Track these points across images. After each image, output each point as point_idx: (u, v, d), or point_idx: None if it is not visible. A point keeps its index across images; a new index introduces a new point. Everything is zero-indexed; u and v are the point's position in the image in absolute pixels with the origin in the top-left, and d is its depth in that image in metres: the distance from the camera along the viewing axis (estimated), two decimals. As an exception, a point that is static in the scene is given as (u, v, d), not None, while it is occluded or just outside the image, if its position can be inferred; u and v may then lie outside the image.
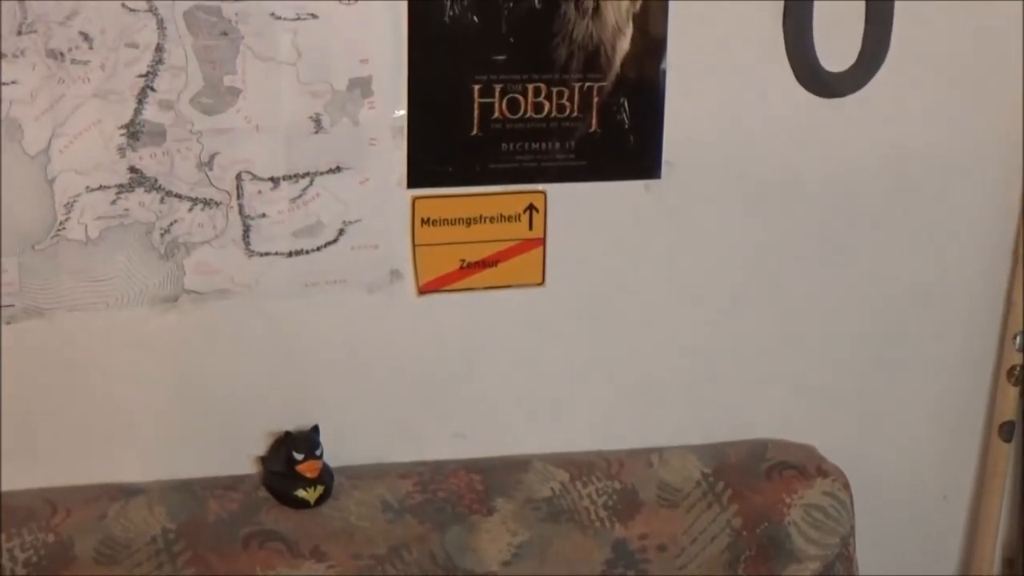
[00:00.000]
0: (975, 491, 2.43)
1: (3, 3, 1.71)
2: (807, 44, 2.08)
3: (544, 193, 2.03)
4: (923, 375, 2.33)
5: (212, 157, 1.85)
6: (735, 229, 2.15)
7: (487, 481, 2.03)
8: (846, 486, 2.14)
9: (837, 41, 2.10)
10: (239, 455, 1.98)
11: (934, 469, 2.40)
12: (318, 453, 1.94)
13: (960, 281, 2.31)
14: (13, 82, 1.74)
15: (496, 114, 1.97)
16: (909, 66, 2.13)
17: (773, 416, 2.24)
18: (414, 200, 1.97)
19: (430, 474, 2.03)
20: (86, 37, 1.76)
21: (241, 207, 1.89)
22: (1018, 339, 2.30)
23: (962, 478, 2.43)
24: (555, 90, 1.98)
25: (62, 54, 1.75)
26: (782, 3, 2.05)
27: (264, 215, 1.90)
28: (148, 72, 1.80)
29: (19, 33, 1.73)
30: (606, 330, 2.13)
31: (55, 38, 1.74)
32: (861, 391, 2.30)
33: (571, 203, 2.04)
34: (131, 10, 1.77)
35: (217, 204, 1.87)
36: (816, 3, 2.07)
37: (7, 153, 1.76)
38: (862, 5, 2.09)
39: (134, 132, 1.81)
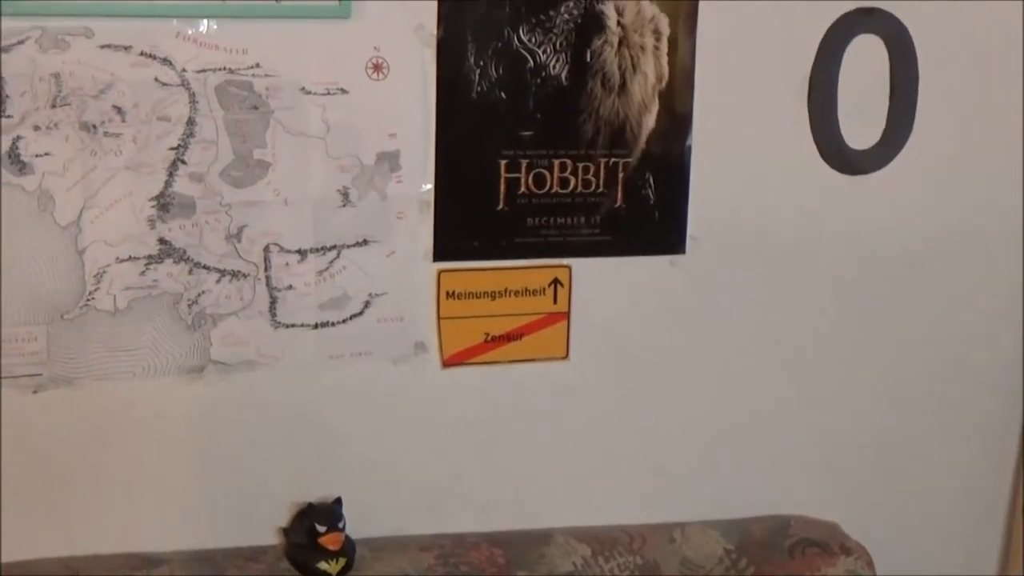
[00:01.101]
0: (999, 569, 2.41)
1: (37, 76, 1.74)
2: (832, 121, 2.10)
3: (569, 267, 2.04)
4: (946, 452, 2.32)
5: (241, 229, 1.87)
6: (759, 304, 2.16)
7: (509, 555, 2.03)
8: (870, 564, 2.13)
9: (862, 119, 2.11)
10: (262, 526, 1.98)
11: (958, 547, 2.38)
12: (340, 525, 1.94)
13: (982, 358, 2.30)
14: (46, 154, 1.77)
15: (522, 189, 1.98)
16: (933, 144, 2.14)
17: (797, 492, 2.23)
18: (440, 273, 1.98)
19: (452, 547, 2.02)
20: (119, 110, 1.78)
21: (268, 279, 1.90)
22: (1042, 417, 2.30)
23: (986, 556, 2.41)
24: (581, 165, 2.00)
25: (95, 127, 1.78)
26: (807, 80, 2.07)
27: (291, 287, 1.91)
28: (179, 145, 1.82)
29: (53, 106, 1.76)
30: (629, 404, 2.13)
31: (89, 111, 1.77)
32: (885, 468, 2.28)
33: (596, 277, 2.05)
34: (164, 84, 1.79)
35: (245, 276, 1.89)
36: (841, 80, 2.08)
37: (38, 223, 1.78)
38: (887, 83, 2.11)
39: (164, 204, 1.83)
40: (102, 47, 1.76)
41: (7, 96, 1.73)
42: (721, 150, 2.06)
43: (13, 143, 1.75)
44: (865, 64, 2.09)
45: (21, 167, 1.76)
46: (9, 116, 1.74)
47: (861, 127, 2.12)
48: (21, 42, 1.73)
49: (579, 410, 2.10)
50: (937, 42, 2.11)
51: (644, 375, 2.12)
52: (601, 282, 2.06)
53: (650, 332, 2.11)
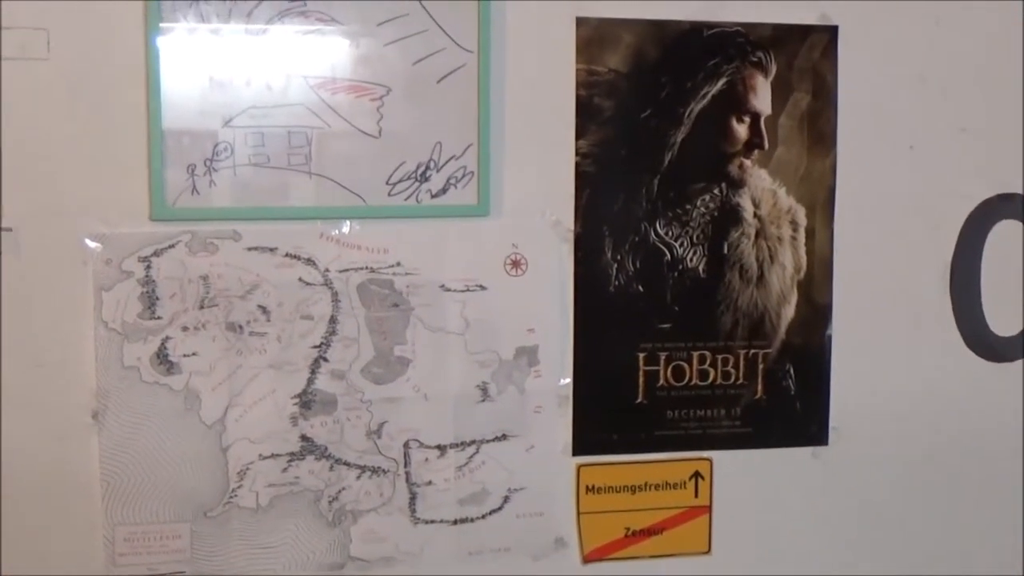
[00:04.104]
0: None
1: (187, 279, 1.79)
2: (976, 308, 2.06)
3: (710, 460, 2.01)
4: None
5: (381, 426, 1.88)
6: (904, 496, 2.10)
7: None
8: None
9: (1006, 305, 2.08)
10: None
11: None
12: None
13: None
14: (193, 354, 1.80)
15: (661, 382, 1.97)
16: (1082, 329, 2.10)
17: None
18: (579, 468, 1.97)
19: None
20: (264, 310, 1.82)
21: (408, 475, 1.90)
22: None
23: None
24: (720, 357, 1.99)
25: (241, 327, 1.81)
26: (949, 267, 2.05)
27: (430, 483, 1.91)
28: (322, 343, 1.85)
29: (201, 307, 1.80)
30: (774, 600, 2.08)
31: (235, 312, 1.81)
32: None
33: (737, 470, 2.02)
34: (307, 283, 1.83)
35: (384, 472, 1.89)
36: (984, 266, 2.06)
37: (185, 422, 1.81)
38: (1030, 268, 2.09)
39: (306, 401, 1.85)
40: (249, 249, 1.81)
41: (157, 298, 1.78)
42: (862, 339, 2.04)
43: (162, 344, 1.79)
44: (1007, 249, 2.07)
45: (169, 367, 1.80)
46: (159, 318, 1.79)
47: (1006, 313, 2.08)
48: (172, 246, 1.78)
49: (723, 607, 2.06)
50: (1081, 227, 2.08)
51: (789, 569, 2.06)
52: (743, 475, 2.02)
53: (793, 525, 2.06)
